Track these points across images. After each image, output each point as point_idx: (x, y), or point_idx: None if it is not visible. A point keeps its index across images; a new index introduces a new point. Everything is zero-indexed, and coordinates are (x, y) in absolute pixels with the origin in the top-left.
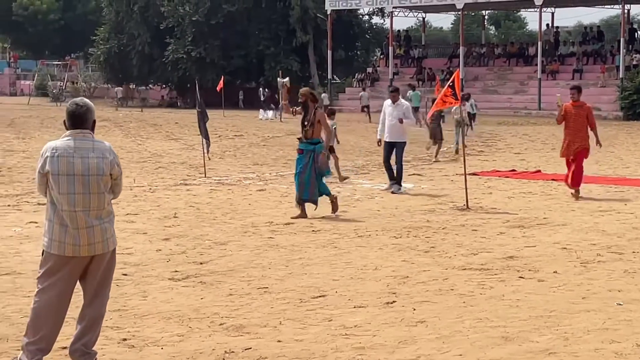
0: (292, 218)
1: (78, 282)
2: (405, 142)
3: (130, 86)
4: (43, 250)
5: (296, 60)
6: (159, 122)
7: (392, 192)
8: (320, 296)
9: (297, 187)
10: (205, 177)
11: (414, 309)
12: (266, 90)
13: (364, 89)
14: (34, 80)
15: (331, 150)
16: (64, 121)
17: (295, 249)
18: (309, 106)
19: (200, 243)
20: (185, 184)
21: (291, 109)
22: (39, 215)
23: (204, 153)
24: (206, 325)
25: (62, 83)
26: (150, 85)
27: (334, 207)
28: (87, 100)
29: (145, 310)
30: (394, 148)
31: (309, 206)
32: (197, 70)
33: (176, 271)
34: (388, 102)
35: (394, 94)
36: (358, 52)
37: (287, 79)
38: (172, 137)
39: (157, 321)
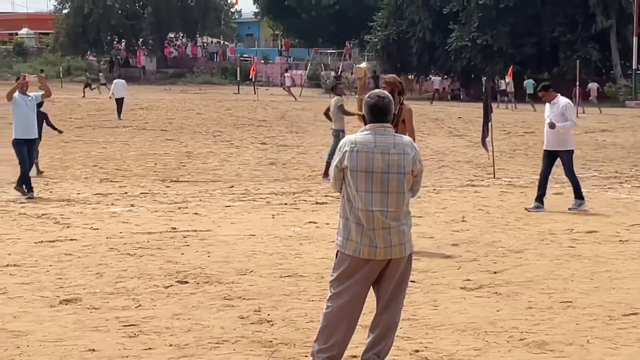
0: None
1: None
2: (570, 151)
3: (409, 76)
4: (337, 251)
5: (595, 48)
6: (440, 116)
7: (569, 209)
8: (632, 314)
9: None
10: (494, 177)
11: None
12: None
13: None
14: (306, 69)
15: None
16: (362, 115)
17: (601, 261)
18: (395, 100)
19: (492, 250)
20: (473, 185)
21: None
22: (317, 215)
23: (492, 151)
24: (504, 339)
25: (335, 73)
26: (430, 76)
27: None
28: (387, 93)
29: (437, 321)
30: (554, 158)
31: None
32: (483, 59)
33: (468, 280)
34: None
35: (545, 91)
36: None
37: (364, 64)
38: (455, 133)
39: (450, 333)
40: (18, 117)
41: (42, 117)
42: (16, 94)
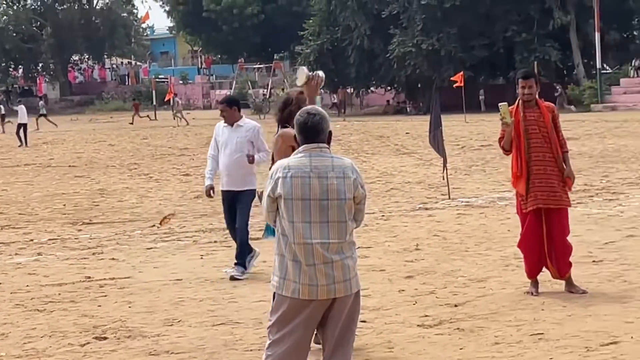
0: None
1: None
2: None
3: (348, 90)
4: (274, 294)
5: (554, 47)
6: (385, 133)
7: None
8: (611, 343)
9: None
10: (449, 198)
11: None
12: (558, 87)
13: None
14: (231, 88)
15: None
16: (294, 136)
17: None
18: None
19: (452, 280)
20: (426, 208)
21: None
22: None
23: (445, 169)
24: None
25: (265, 90)
26: (371, 88)
27: None
28: (320, 108)
29: None
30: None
31: None
32: (430, 67)
33: (426, 316)
34: None
35: (229, 107)
36: (635, 33)
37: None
38: (403, 150)
39: None
40: None
41: None
42: None
